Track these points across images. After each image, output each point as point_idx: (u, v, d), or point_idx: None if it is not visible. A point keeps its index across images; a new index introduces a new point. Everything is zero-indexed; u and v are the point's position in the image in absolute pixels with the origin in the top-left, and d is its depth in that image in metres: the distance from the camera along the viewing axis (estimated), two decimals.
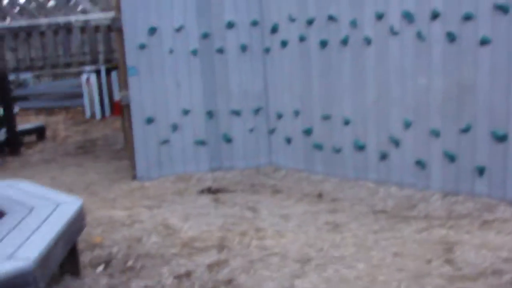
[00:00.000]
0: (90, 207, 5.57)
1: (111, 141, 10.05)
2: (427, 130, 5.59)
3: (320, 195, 5.89)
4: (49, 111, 14.25)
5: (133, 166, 6.87)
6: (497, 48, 5.07)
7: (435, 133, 5.52)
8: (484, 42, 5.12)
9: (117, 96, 11.94)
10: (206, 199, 6.00)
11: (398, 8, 5.58)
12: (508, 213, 4.98)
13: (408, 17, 5.52)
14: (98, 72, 13.02)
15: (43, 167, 8.26)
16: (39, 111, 14.42)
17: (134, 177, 6.84)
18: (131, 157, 6.90)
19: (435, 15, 5.35)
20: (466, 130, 5.33)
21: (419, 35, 5.48)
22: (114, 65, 8.73)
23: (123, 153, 8.73)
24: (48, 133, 11.12)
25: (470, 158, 5.36)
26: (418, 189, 5.69)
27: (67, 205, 3.97)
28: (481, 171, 5.30)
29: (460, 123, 5.36)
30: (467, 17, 5.17)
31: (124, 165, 7.76)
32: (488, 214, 4.99)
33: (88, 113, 13.28)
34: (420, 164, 5.68)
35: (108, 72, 12.77)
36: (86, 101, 13.31)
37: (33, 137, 10.53)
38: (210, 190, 6.26)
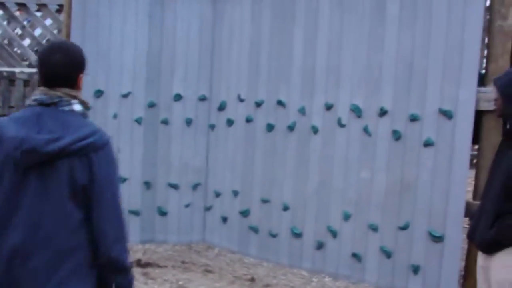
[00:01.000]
0: None
1: None
2: (365, 224, 5.62)
3: (252, 279, 5.77)
4: None
5: None
6: (440, 150, 5.23)
7: (374, 228, 5.56)
8: (427, 143, 5.27)
9: None
10: (135, 272, 5.74)
11: (348, 101, 5.70)
12: None
13: (356, 111, 5.64)
14: None
15: None
16: None
17: None
18: None
19: (383, 112, 5.49)
20: (404, 227, 5.39)
21: (366, 130, 5.60)
22: None
23: None
24: None
25: (406, 256, 5.40)
26: (352, 282, 5.66)
27: None
28: (416, 269, 5.33)
29: (399, 220, 5.42)
30: (414, 118, 5.33)
31: None
32: None
33: None
34: (356, 257, 5.67)
35: None
36: None
37: None
38: (139, 263, 6.02)
